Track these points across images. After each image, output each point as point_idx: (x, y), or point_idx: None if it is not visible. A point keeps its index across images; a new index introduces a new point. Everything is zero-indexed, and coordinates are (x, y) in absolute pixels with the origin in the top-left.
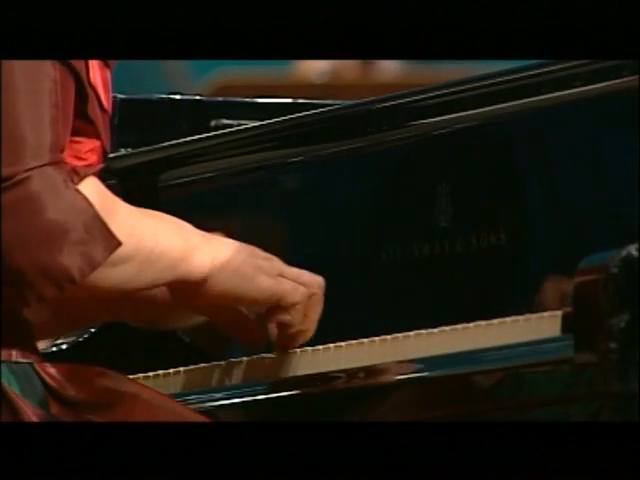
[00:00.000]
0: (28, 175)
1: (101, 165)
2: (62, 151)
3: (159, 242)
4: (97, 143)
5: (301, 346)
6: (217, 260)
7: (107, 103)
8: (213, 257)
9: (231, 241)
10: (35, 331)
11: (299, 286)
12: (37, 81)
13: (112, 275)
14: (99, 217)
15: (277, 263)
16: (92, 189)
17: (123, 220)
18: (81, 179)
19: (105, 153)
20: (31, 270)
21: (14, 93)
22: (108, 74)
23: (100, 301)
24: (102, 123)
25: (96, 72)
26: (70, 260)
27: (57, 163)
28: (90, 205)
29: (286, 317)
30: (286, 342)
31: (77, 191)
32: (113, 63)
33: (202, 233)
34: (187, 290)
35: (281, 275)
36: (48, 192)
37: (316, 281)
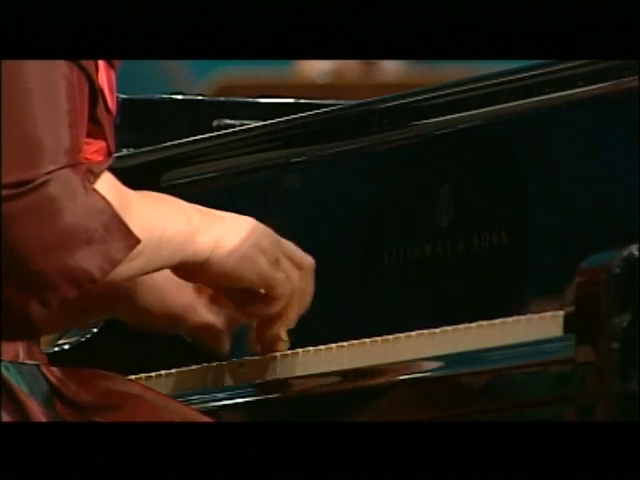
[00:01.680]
0: (47, 179)
1: (111, 159)
2: (79, 153)
3: (166, 229)
4: (102, 144)
5: (302, 346)
6: (220, 241)
7: (112, 104)
8: (216, 238)
9: (233, 219)
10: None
11: (289, 280)
12: (54, 84)
13: (125, 269)
14: (117, 215)
15: (276, 244)
16: (107, 186)
17: (136, 213)
18: (96, 177)
19: (110, 154)
20: (53, 273)
21: (31, 96)
22: (113, 75)
23: (95, 297)
24: (108, 124)
25: (102, 74)
26: (91, 260)
27: (74, 165)
28: (108, 204)
29: (266, 309)
30: (263, 332)
31: (94, 191)
32: (118, 64)
33: (204, 213)
34: (190, 270)
35: (278, 261)
36: (67, 195)
37: (307, 262)
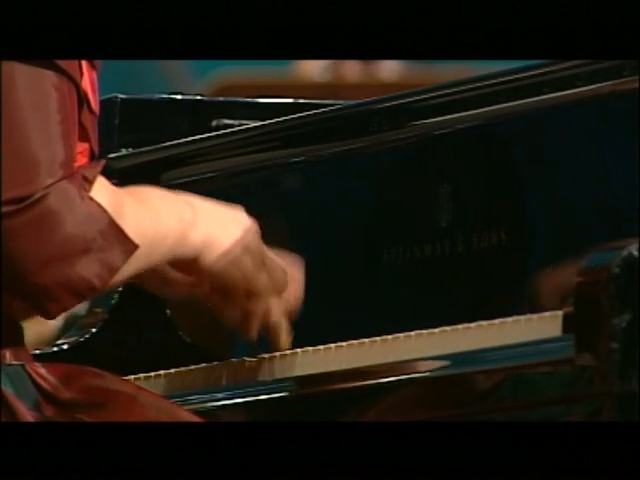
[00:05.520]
0: (46, 193)
1: (102, 163)
2: (74, 162)
3: (158, 230)
4: (85, 145)
5: (301, 346)
6: (208, 239)
7: (95, 105)
8: (205, 236)
9: (221, 214)
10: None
11: (271, 280)
12: (45, 96)
13: (120, 275)
14: (114, 222)
15: (262, 244)
16: (102, 193)
17: (130, 216)
18: (91, 184)
19: (93, 154)
20: (54, 285)
21: (23, 110)
22: (95, 75)
23: None
24: (91, 126)
25: (86, 76)
26: (90, 269)
27: (71, 176)
28: (104, 211)
29: (247, 305)
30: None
31: (91, 199)
32: (99, 64)
33: (195, 207)
34: (181, 265)
35: (262, 260)
36: (66, 207)
37: (286, 275)
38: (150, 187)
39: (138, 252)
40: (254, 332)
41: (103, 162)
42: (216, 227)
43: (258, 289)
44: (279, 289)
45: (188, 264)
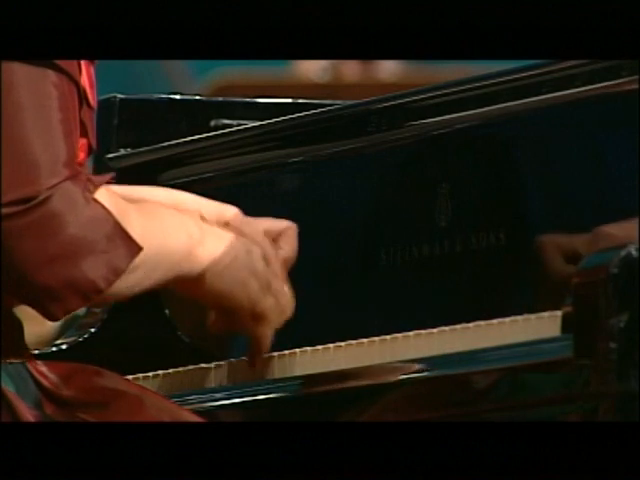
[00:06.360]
0: (50, 194)
1: (112, 174)
2: (76, 161)
3: (166, 242)
4: (84, 141)
5: (299, 346)
6: (214, 259)
7: (93, 100)
8: (211, 256)
9: (229, 238)
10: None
11: (278, 305)
12: (46, 95)
13: (123, 282)
14: (119, 224)
15: (269, 269)
16: (107, 195)
17: (135, 222)
18: (96, 187)
19: (91, 149)
20: (59, 285)
21: (23, 110)
22: (92, 70)
23: None
24: (90, 121)
25: (84, 72)
26: (95, 271)
27: (75, 176)
28: (109, 213)
29: (253, 330)
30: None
31: (95, 201)
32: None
33: (202, 226)
34: (184, 285)
35: (269, 284)
36: (70, 207)
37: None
38: (160, 204)
39: (143, 260)
40: (259, 361)
41: (111, 174)
42: (223, 248)
43: (264, 313)
44: (285, 315)
45: (193, 282)
